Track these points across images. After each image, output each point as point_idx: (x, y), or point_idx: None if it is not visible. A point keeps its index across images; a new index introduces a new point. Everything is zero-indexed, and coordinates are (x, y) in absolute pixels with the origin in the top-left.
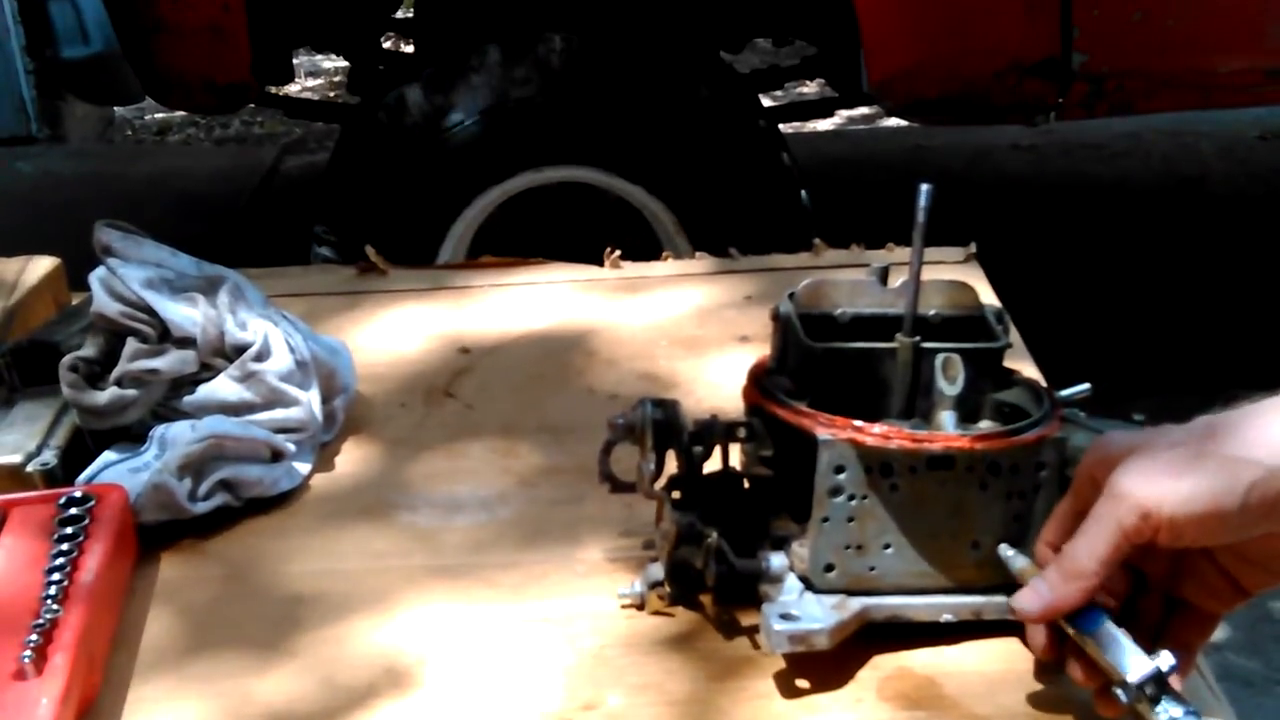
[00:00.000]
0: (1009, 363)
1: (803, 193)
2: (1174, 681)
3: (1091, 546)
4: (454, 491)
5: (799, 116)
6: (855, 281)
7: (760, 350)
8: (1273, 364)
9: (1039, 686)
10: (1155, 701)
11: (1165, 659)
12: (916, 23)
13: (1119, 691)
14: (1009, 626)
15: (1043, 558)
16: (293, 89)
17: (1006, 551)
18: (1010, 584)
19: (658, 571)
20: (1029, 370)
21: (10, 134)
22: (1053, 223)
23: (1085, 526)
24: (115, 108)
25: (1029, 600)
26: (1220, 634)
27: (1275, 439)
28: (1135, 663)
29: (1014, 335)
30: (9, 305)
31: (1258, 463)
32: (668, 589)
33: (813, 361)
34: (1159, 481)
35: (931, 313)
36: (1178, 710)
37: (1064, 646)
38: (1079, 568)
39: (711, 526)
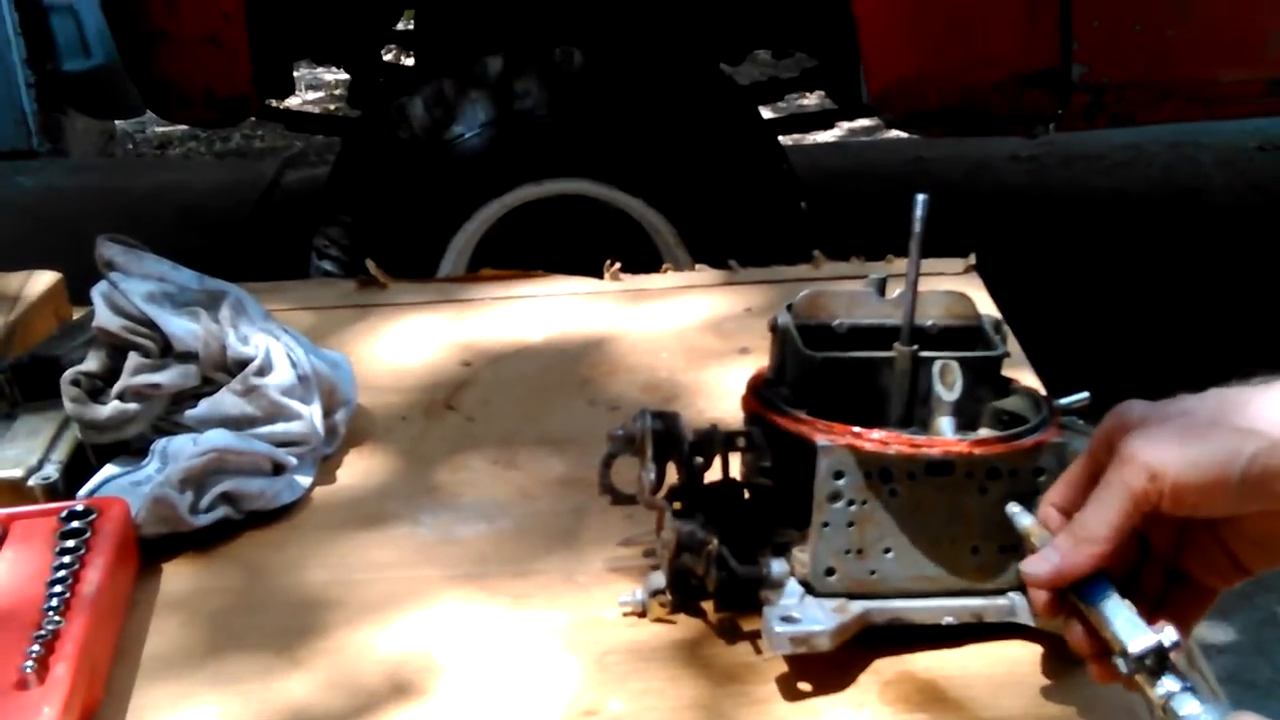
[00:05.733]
0: (1008, 372)
1: (802, 204)
2: (1173, 656)
3: (1103, 513)
4: (455, 503)
5: (799, 128)
6: (853, 293)
7: (760, 362)
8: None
9: (1041, 689)
10: (1155, 675)
11: (1168, 634)
12: (916, 34)
13: (1119, 661)
14: (1010, 629)
15: (1045, 517)
16: (293, 102)
17: (1013, 508)
18: (1011, 588)
19: (659, 579)
20: (1028, 380)
21: (11, 148)
22: (1053, 234)
23: (1097, 494)
24: (116, 121)
25: (1039, 566)
26: (1225, 637)
27: None
28: (1138, 636)
29: (1013, 345)
30: (10, 320)
31: (1262, 434)
32: (669, 596)
33: (811, 371)
34: (1166, 447)
35: (929, 323)
36: (1175, 685)
37: (1065, 607)
38: (1090, 533)
39: (712, 534)
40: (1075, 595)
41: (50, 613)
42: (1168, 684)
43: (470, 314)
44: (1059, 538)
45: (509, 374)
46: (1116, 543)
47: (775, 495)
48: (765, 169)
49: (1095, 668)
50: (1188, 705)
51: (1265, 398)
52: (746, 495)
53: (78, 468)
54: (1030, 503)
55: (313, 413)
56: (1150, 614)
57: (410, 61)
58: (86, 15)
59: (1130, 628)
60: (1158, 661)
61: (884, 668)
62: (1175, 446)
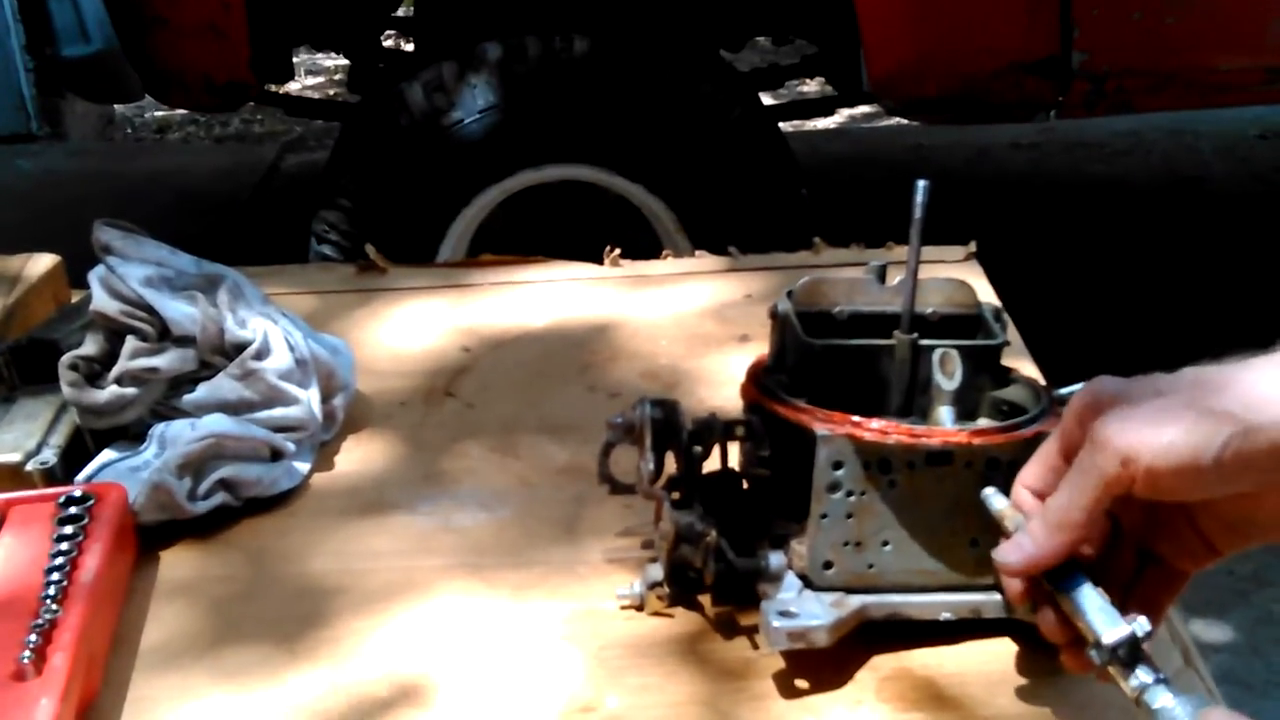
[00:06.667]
0: (1008, 361)
1: (803, 191)
2: (1146, 647)
3: (1074, 498)
4: (453, 491)
5: (799, 115)
6: (853, 279)
7: (760, 349)
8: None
9: (1038, 687)
10: (1128, 666)
11: (1141, 624)
12: (916, 21)
13: (1092, 653)
14: (1008, 626)
15: (1019, 499)
16: (292, 87)
17: (987, 492)
18: None
19: (657, 572)
20: (1028, 368)
21: (10, 132)
22: (1053, 221)
23: (1069, 478)
24: (115, 106)
25: (1012, 553)
26: (1221, 636)
27: (1258, 396)
28: (1112, 627)
29: (1013, 333)
30: (9, 303)
31: (1238, 417)
32: (667, 590)
33: (811, 359)
34: (1139, 430)
35: (929, 311)
36: (1149, 677)
37: (1038, 594)
38: (1063, 519)
39: (710, 526)
40: (1048, 583)
41: (48, 601)
42: (1141, 676)
43: (470, 299)
44: (1032, 523)
45: (509, 360)
46: (1089, 527)
47: (774, 486)
48: (765, 155)
49: (1067, 657)
50: (1161, 698)
51: (1243, 379)
52: (745, 485)
53: (75, 452)
54: None
55: (311, 397)
56: (1122, 597)
57: (410, 47)
58: (85, 1)
59: (1103, 618)
60: (1131, 653)
61: (881, 664)
62: (1148, 430)
